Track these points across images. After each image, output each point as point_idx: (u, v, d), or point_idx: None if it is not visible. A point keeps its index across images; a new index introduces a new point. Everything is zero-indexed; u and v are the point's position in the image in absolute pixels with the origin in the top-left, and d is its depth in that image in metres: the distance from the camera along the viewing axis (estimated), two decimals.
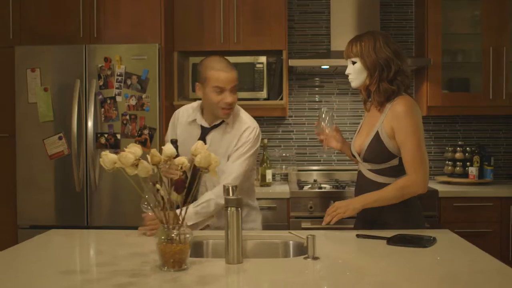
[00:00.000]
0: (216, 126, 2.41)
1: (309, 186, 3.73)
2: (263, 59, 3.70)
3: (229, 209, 1.73)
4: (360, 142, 2.30)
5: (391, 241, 1.98)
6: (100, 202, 3.44)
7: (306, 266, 1.70)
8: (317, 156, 4.08)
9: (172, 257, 1.60)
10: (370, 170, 2.26)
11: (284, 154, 4.06)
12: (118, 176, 3.39)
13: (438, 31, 3.71)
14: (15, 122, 3.47)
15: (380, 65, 2.18)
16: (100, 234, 2.25)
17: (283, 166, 4.02)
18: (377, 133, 2.21)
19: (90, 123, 3.39)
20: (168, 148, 1.64)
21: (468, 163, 3.76)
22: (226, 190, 1.77)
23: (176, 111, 2.59)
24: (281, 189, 3.62)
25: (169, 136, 2.57)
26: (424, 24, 3.76)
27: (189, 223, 2.09)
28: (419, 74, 3.95)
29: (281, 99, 3.77)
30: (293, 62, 3.64)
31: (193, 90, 3.75)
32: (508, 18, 3.68)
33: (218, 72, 2.29)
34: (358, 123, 3.94)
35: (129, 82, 3.41)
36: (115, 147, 3.41)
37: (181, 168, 1.66)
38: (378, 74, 2.19)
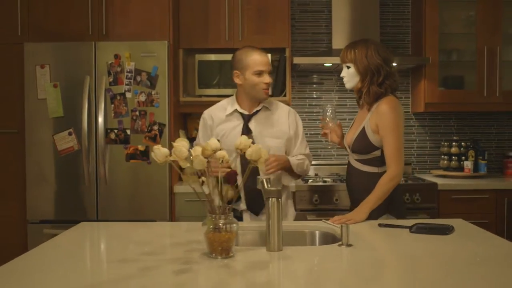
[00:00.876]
0: (256, 112, 2.66)
1: (312, 180, 3.84)
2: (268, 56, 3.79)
3: (270, 199, 1.82)
4: (351, 136, 2.55)
5: (413, 229, 2.11)
6: (109, 197, 3.50)
7: (342, 253, 1.81)
8: (318, 151, 4.20)
9: (220, 245, 1.69)
10: (356, 160, 2.53)
11: None
12: (127, 171, 3.48)
13: (435, 30, 3.87)
14: (24, 118, 3.49)
15: (371, 71, 2.44)
16: (130, 226, 2.32)
17: None
18: (363, 128, 2.47)
19: (100, 119, 3.44)
20: (213, 142, 1.73)
21: (463, 158, 3.93)
22: (261, 182, 1.88)
23: (205, 114, 2.83)
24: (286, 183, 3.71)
25: (201, 139, 2.75)
26: (422, 24, 3.91)
27: (296, 169, 2.61)
28: (416, 72, 4.10)
29: (284, 95, 3.87)
30: (297, 60, 3.75)
31: (199, 87, 3.83)
32: (502, 19, 3.86)
33: (258, 57, 2.61)
34: None
35: (138, 78, 3.46)
36: (125, 142, 3.47)
37: (222, 161, 1.75)
38: (369, 78, 2.45)
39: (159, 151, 1.66)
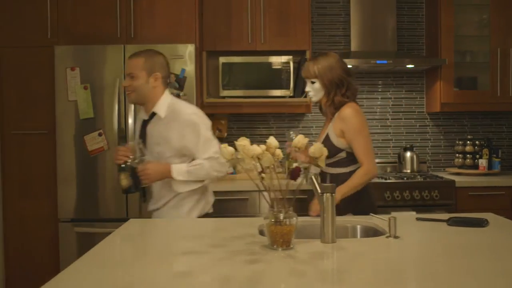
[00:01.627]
0: (151, 117, 2.62)
1: None
2: (290, 59, 3.92)
3: (324, 195, 1.94)
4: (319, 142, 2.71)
5: (449, 222, 2.24)
6: (138, 196, 3.59)
7: (392, 244, 1.92)
8: None
9: (281, 238, 1.80)
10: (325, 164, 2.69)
11: None
12: None
13: (451, 33, 4.00)
14: (55, 119, 3.58)
15: (335, 83, 2.63)
16: (177, 222, 2.42)
17: None
18: (327, 134, 2.67)
19: (130, 120, 3.54)
20: (273, 140, 1.84)
21: (477, 156, 4.07)
22: (310, 179, 2.00)
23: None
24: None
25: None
26: (437, 27, 4.04)
27: (179, 178, 2.50)
28: (430, 73, 4.24)
29: (305, 96, 3.99)
30: None
31: (223, 88, 3.94)
32: None
33: (127, 61, 2.67)
34: (373, 119, 4.22)
35: (167, 80, 3.55)
36: None
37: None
38: (334, 90, 2.64)
39: (226, 150, 1.77)
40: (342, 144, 2.62)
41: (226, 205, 3.66)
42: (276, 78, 3.91)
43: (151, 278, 1.52)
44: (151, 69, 2.58)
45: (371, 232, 2.28)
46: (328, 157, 2.48)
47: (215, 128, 4.20)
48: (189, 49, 3.59)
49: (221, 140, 4.23)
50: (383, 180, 3.79)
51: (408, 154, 4.15)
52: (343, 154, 2.64)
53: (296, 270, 1.59)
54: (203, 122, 2.58)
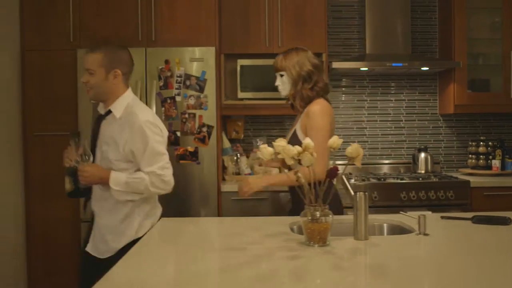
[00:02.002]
0: (106, 115, 2.52)
1: None
2: None
3: (357, 193, 2.01)
4: (285, 140, 2.73)
5: (474, 220, 2.31)
6: (160, 196, 3.64)
7: (422, 241, 1.99)
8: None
9: (319, 235, 1.87)
10: None
11: None
12: (177, 171, 3.63)
13: (464, 36, 4.07)
14: (78, 120, 3.65)
15: (303, 77, 2.64)
16: (208, 221, 2.49)
17: None
18: (295, 131, 2.66)
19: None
20: (309, 141, 1.91)
21: (490, 157, 4.14)
22: (341, 179, 2.07)
23: None
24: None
25: None
26: (451, 30, 4.11)
27: (115, 188, 2.37)
28: (444, 75, 4.31)
29: None
30: (336, 64, 3.94)
31: (241, 90, 4.01)
32: None
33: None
34: (387, 121, 4.29)
35: (188, 83, 3.63)
36: (175, 144, 3.63)
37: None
38: (301, 84, 2.64)
39: (266, 150, 1.84)
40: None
41: (245, 205, 3.73)
42: None
43: (200, 272, 1.58)
44: (111, 65, 2.45)
45: (398, 230, 2.34)
46: None
47: (232, 129, 4.28)
48: (209, 52, 3.66)
49: (238, 141, 4.31)
50: (399, 181, 3.86)
51: (423, 155, 4.22)
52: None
53: (338, 265, 1.66)
54: (156, 133, 2.43)
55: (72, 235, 3.71)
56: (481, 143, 4.19)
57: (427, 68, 4.08)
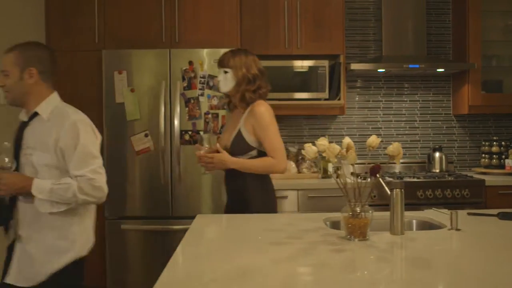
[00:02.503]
0: (31, 119, 2.33)
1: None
2: (325, 63, 4.08)
3: (394, 190, 2.09)
4: (227, 138, 2.79)
5: (500, 216, 2.40)
6: (183, 194, 3.74)
7: (455, 236, 2.08)
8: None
9: (359, 229, 1.96)
10: None
11: None
12: (200, 170, 3.73)
13: (478, 38, 4.17)
14: (103, 120, 3.73)
15: (248, 78, 2.71)
16: (241, 217, 2.57)
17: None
18: (240, 130, 2.70)
19: (176, 122, 3.69)
20: (348, 140, 2.00)
21: (503, 156, 4.24)
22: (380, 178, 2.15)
23: None
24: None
25: None
26: (465, 32, 4.21)
27: (39, 195, 2.17)
28: (457, 77, 4.40)
29: (339, 99, 4.15)
30: (354, 66, 4.03)
31: None
32: None
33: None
34: (401, 121, 4.38)
35: (211, 83, 3.72)
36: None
37: None
38: (245, 85, 2.70)
39: (310, 149, 1.92)
40: (253, 141, 2.67)
41: None
42: (311, 81, 4.07)
43: (254, 264, 1.67)
44: (25, 64, 2.27)
45: (427, 226, 2.43)
46: (240, 154, 2.68)
47: None
48: None
49: None
50: (416, 179, 3.95)
51: (437, 154, 4.32)
52: (254, 153, 2.69)
53: (383, 258, 1.75)
54: (88, 132, 2.28)
55: (97, 231, 3.75)
56: (494, 143, 4.29)
57: (443, 70, 4.17)
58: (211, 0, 3.86)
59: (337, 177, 2.02)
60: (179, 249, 1.89)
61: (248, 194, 2.70)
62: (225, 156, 2.66)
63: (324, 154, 1.91)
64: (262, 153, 2.70)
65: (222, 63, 2.76)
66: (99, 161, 2.28)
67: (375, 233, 2.09)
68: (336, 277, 1.54)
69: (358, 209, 1.97)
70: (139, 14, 3.84)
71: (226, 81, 2.75)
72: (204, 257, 1.79)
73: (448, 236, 2.08)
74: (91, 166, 2.22)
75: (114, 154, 3.73)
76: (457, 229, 2.14)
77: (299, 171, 4.17)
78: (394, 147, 1.94)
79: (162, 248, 3.71)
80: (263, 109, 2.67)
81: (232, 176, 2.74)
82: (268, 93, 2.78)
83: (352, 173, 1.99)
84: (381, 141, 4.21)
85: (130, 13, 3.83)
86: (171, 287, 1.46)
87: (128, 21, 3.83)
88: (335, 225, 2.38)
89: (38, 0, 3.78)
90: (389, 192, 2.13)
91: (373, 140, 2.01)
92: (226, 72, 2.74)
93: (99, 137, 2.40)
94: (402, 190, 2.11)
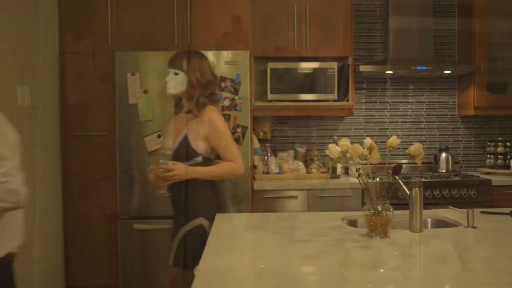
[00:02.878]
0: None
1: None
2: (334, 64, 4.14)
3: (413, 189, 2.16)
4: (170, 143, 2.72)
5: None
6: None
7: (472, 233, 2.15)
8: None
9: (381, 227, 2.02)
10: None
11: None
12: None
13: (484, 40, 4.25)
14: (116, 121, 3.77)
15: (202, 83, 2.64)
16: (260, 216, 2.64)
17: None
18: (186, 136, 2.62)
19: None
20: (369, 140, 2.05)
21: (508, 156, 4.31)
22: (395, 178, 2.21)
23: None
24: (353, 180, 4.06)
25: None
26: (471, 34, 4.28)
27: None
28: (462, 79, 4.47)
29: (347, 100, 4.21)
30: (363, 68, 4.09)
31: (271, 93, 4.15)
32: None
33: None
34: (407, 122, 4.43)
35: (223, 85, 3.77)
36: None
37: None
38: (198, 90, 2.63)
39: (334, 149, 1.98)
40: (201, 148, 2.61)
41: (277, 203, 3.88)
42: (320, 83, 4.13)
43: (282, 261, 1.72)
44: None
45: (442, 224, 2.49)
46: (185, 159, 2.60)
47: (260, 130, 4.42)
48: (243, 55, 3.80)
49: (265, 141, 4.45)
50: (423, 179, 4.01)
51: (444, 154, 4.39)
52: (199, 159, 2.62)
53: (408, 254, 1.81)
54: None
55: (110, 231, 3.83)
56: (499, 143, 4.36)
57: (449, 72, 4.24)
58: (222, 3, 3.91)
59: (358, 176, 2.07)
60: (207, 248, 1.94)
61: (196, 199, 2.64)
62: (185, 165, 2.57)
63: (347, 155, 1.96)
64: (207, 160, 2.65)
65: (173, 64, 2.68)
66: (10, 163, 2.03)
67: (393, 231, 2.15)
68: (367, 273, 1.60)
69: (379, 207, 2.03)
70: (152, 17, 3.88)
71: (176, 83, 2.66)
72: (233, 254, 1.85)
73: (465, 233, 2.14)
74: (2, 169, 1.99)
75: (127, 155, 3.78)
76: (473, 227, 2.20)
77: (307, 172, 4.23)
78: (416, 147, 2.00)
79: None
80: (216, 116, 2.63)
81: (178, 184, 2.64)
82: (218, 99, 2.74)
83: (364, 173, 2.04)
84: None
85: (144, 15, 3.88)
86: (210, 283, 1.51)
87: (141, 24, 3.87)
88: (352, 223, 2.44)
89: (51, 2, 3.81)
90: (407, 191, 2.20)
91: (394, 140, 2.07)
92: (176, 73, 2.66)
93: (13, 136, 2.12)
94: (421, 189, 2.17)
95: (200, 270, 1.60)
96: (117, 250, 3.80)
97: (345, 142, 2.00)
